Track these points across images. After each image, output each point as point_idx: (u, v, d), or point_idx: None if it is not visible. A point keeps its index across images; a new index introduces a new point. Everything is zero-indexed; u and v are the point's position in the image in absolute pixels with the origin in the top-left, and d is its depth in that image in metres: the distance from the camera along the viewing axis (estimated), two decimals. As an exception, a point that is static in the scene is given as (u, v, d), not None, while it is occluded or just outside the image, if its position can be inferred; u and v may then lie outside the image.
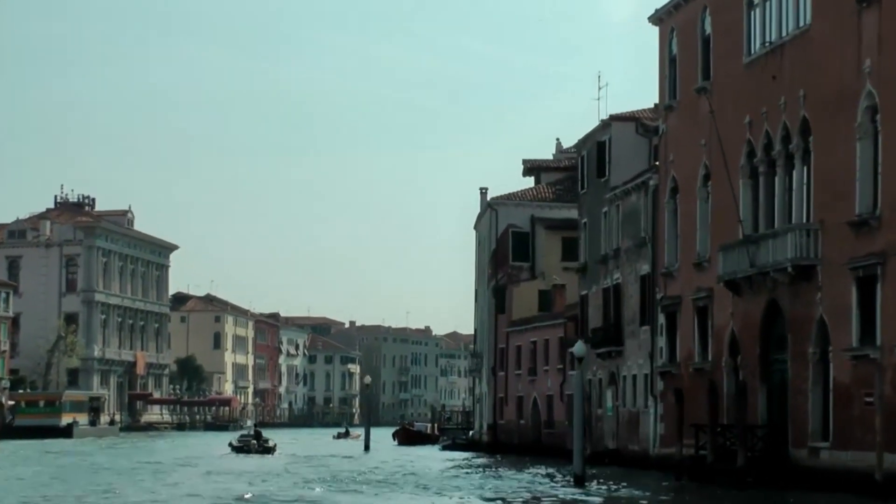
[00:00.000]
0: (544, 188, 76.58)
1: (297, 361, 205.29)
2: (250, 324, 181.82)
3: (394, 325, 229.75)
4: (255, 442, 71.53)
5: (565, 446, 59.42)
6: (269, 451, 70.55)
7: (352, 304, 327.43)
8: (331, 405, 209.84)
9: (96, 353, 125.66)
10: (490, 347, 77.80)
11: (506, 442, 73.04)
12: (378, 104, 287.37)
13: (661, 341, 48.90)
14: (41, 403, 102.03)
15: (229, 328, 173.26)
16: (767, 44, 40.70)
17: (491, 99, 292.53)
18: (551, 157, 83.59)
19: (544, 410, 68.66)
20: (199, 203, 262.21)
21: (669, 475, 42.65)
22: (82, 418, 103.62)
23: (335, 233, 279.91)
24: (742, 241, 40.86)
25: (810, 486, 36.31)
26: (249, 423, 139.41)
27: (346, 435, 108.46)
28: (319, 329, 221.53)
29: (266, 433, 77.43)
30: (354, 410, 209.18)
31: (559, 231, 71.47)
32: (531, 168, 79.83)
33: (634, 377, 52.60)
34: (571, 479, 40.00)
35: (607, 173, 56.72)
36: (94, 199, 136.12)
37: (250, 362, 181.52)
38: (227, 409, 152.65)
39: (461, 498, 36.34)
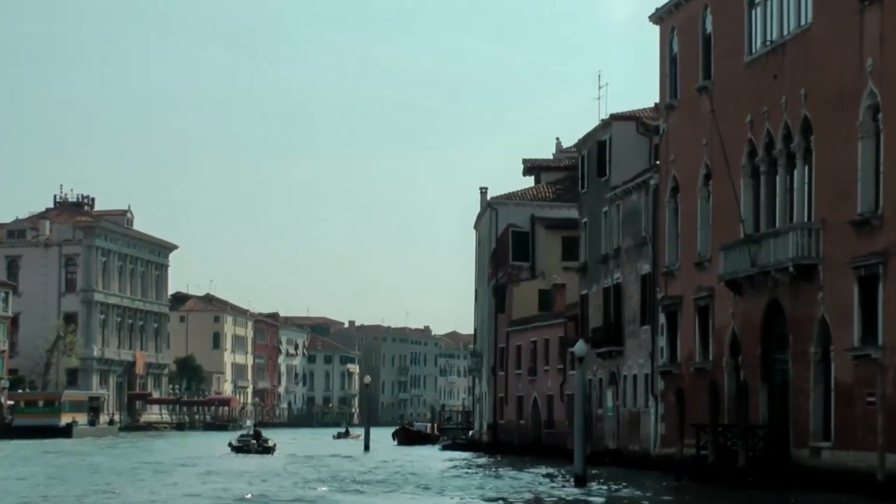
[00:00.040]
0: (544, 188, 76.48)
1: (297, 361, 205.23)
2: (249, 324, 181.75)
3: (393, 325, 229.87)
4: (254, 442, 71.45)
5: (565, 446, 59.35)
6: (269, 451, 70.47)
7: (351, 303, 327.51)
8: (330, 405, 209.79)
9: (95, 352, 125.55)
10: (490, 347, 77.70)
11: (506, 442, 72.94)
12: (378, 104, 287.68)
13: (662, 341, 48.79)
14: (40, 403, 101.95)
15: (228, 328, 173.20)
16: (768, 43, 40.59)
17: (491, 99, 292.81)
18: (551, 157, 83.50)
19: (544, 410, 68.55)
20: (198, 203, 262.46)
21: (670, 475, 42.55)
22: (81, 418, 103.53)
23: (335, 233, 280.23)
24: (743, 241, 40.75)
25: (812, 486, 36.21)
26: (249, 423, 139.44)
27: (346, 435, 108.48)
28: (319, 329, 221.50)
29: (265, 433, 77.33)
30: (354, 410, 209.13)
31: (559, 230, 71.39)
32: (531, 167, 79.74)
33: (635, 377, 52.50)
34: (572, 480, 39.85)
35: (608, 173, 56.61)
36: (93, 199, 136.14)
37: (249, 362, 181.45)
38: (226, 408, 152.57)
39: (463, 498, 36.20)
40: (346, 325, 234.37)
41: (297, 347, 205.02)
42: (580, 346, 39.89)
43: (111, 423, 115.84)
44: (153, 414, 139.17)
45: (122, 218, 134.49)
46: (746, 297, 41.28)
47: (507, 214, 74.41)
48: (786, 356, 39.08)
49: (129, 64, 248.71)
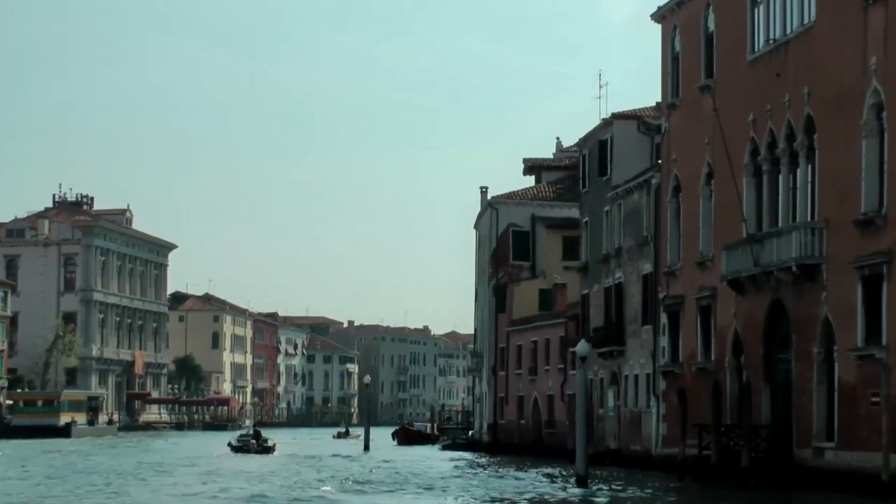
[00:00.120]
0: (545, 187, 76.30)
1: (296, 361, 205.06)
2: (249, 323, 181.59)
3: (392, 325, 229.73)
4: (254, 442, 71.28)
5: (566, 446, 59.19)
6: (269, 450, 70.32)
7: (350, 303, 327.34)
8: (329, 405, 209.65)
9: (94, 352, 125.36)
10: (490, 347, 77.52)
11: (506, 442, 72.75)
12: (378, 104, 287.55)
13: (664, 341, 48.63)
14: (39, 403, 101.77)
15: (228, 328, 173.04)
16: (771, 41, 40.42)
17: (491, 99, 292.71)
18: (551, 157, 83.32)
19: (545, 410, 68.36)
20: (197, 202, 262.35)
21: (672, 475, 42.41)
22: (80, 418, 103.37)
23: (334, 233, 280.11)
24: (746, 240, 40.57)
25: (815, 486, 36.05)
26: (248, 422, 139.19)
27: (346, 435, 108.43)
28: (318, 329, 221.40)
29: (264, 433, 77.11)
30: (353, 410, 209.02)
31: (560, 230, 71.21)
32: (531, 167, 79.56)
33: (636, 377, 52.32)
34: (574, 480, 39.66)
35: (609, 172, 56.44)
36: (92, 199, 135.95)
37: (249, 362, 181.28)
38: (225, 408, 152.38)
39: (466, 499, 36.00)
40: (346, 325, 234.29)
41: (296, 347, 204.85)
42: (582, 346, 39.68)
43: (110, 422, 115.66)
44: (152, 414, 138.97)
45: (121, 217, 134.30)
46: (749, 297, 41.10)
47: (507, 214, 74.24)
48: (789, 356, 38.89)
49: (129, 64, 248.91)
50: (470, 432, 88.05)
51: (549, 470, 49.63)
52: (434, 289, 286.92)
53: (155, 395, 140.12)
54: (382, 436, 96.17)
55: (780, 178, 40.13)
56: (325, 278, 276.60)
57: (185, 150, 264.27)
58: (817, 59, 37.72)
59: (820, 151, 37.64)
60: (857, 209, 35.32)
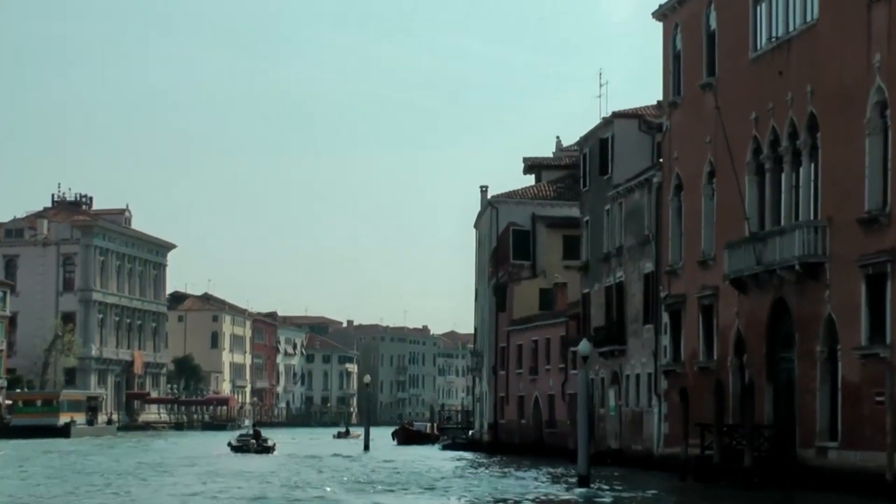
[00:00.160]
0: (545, 186, 76.14)
1: (295, 361, 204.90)
2: (248, 323, 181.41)
3: (391, 325, 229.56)
4: (254, 441, 71.11)
5: (567, 446, 59.02)
6: (269, 450, 70.15)
7: (349, 303, 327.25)
8: (328, 404, 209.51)
9: (93, 352, 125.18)
10: (491, 346, 77.35)
11: (506, 441, 72.59)
12: (378, 104, 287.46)
13: (665, 340, 48.46)
14: (38, 403, 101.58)
15: (227, 327, 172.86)
16: (774, 39, 40.24)
17: (491, 99, 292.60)
18: (551, 156, 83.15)
19: (545, 410, 68.19)
20: (196, 202, 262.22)
21: (673, 475, 42.24)
22: (80, 418, 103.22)
23: (334, 233, 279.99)
24: (748, 239, 40.39)
25: (818, 486, 35.88)
26: (247, 422, 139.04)
27: (347, 434, 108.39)
28: (317, 328, 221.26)
29: (264, 433, 76.91)
30: (352, 410, 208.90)
31: (560, 229, 71.06)
32: (532, 166, 79.40)
33: (638, 376, 52.14)
34: (576, 480, 39.45)
35: (610, 171, 56.28)
36: (91, 198, 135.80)
37: (248, 362, 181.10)
38: (224, 408, 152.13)
39: (469, 499, 35.82)
40: (345, 325, 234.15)
41: (295, 347, 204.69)
42: (584, 346, 39.47)
43: (109, 422, 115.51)
44: (151, 413, 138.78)
45: (120, 217, 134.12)
46: (751, 296, 40.93)
47: (507, 213, 74.09)
48: (791, 355, 38.72)
49: (129, 64, 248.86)
50: (470, 432, 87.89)
51: (551, 470, 49.46)
52: (433, 288, 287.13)
53: (154, 394, 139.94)
54: (382, 436, 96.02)
55: (783, 176, 39.96)
56: (325, 278, 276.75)
57: (185, 150, 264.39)
58: (820, 57, 37.54)
59: (823, 150, 37.47)
60: (861, 207, 35.15)
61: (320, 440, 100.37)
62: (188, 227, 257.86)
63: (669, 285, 48.05)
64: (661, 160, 50.00)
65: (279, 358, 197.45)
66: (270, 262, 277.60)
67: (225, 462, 58.92)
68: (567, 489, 38.85)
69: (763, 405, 39.91)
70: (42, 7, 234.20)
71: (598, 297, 57.47)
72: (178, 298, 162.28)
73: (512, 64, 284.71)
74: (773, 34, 40.32)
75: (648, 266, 50.82)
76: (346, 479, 44.74)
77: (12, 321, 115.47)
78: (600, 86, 63.82)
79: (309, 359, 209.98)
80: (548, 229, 72.23)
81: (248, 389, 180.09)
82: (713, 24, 44.85)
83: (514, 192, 75.82)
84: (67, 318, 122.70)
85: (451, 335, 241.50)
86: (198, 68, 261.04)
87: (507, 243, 73.73)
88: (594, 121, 59.19)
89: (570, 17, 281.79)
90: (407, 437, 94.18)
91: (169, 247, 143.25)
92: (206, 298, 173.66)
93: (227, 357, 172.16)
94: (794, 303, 38.41)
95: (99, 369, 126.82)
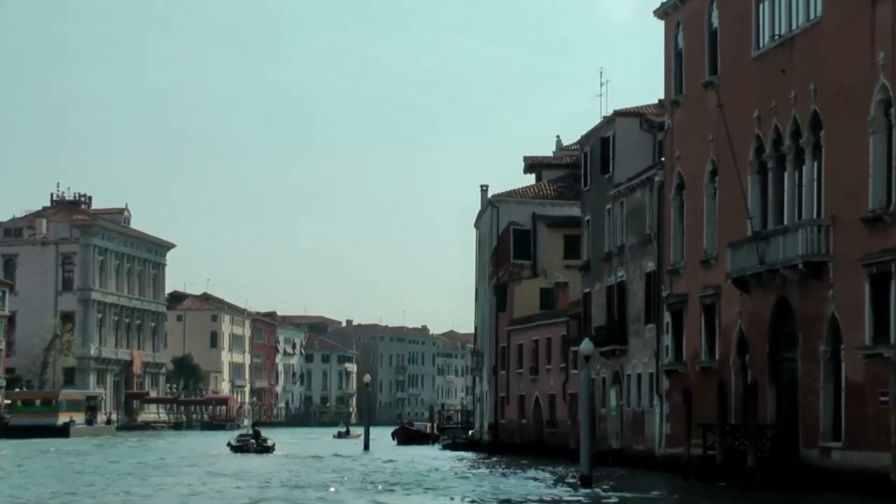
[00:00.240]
0: (545, 185, 75.96)
1: (294, 360, 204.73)
2: (247, 323, 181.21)
3: (391, 325, 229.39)
4: (253, 441, 70.91)
5: (568, 446, 58.85)
6: (268, 450, 69.95)
7: (349, 303, 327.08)
8: (328, 404, 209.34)
9: (92, 351, 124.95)
10: (491, 346, 77.17)
11: (507, 441, 72.44)
12: (378, 104, 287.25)
13: (667, 340, 48.27)
14: (37, 402, 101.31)
15: (226, 327, 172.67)
16: (777, 37, 40.05)
17: (491, 99, 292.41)
18: (551, 155, 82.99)
19: (546, 410, 68.04)
20: (196, 202, 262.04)
21: (675, 475, 42.06)
22: (79, 417, 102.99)
23: (334, 232, 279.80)
24: (751, 238, 40.21)
25: (821, 486, 35.71)
26: (246, 422, 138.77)
27: (347, 434, 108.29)
28: (316, 328, 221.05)
29: (263, 433, 76.69)
30: (351, 410, 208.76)
31: (561, 228, 70.91)
32: (532, 165, 79.24)
33: (639, 376, 51.95)
34: (578, 480, 39.27)
35: (611, 170, 56.11)
36: (90, 198, 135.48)
37: (247, 361, 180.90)
38: (223, 408, 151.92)
39: (471, 499, 35.62)
40: (344, 325, 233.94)
41: (294, 347, 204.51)
42: (586, 345, 39.32)
43: (108, 422, 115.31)
44: (150, 413, 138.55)
45: (119, 216, 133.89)
46: (754, 295, 40.74)
47: (508, 212, 73.92)
48: (794, 355, 38.54)
49: (129, 64, 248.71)
50: (470, 432, 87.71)
51: (552, 470, 49.28)
52: (433, 288, 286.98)
53: (153, 394, 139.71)
54: (382, 435, 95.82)
55: (786, 175, 39.79)
56: (324, 278, 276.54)
57: (184, 150, 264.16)
58: (823, 55, 37.36)
59: (826, 148, 37.28)
60: (865, 206, 34.97)
61: (320, 440, 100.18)
62: (187, 226, 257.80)
63: (671, 285, 47.87)
64: (662, 159, 49.81)
65: (278, 358, 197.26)
66: (270, 262, 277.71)
67: (225, 462, 58.74)
68: (570, 489, 38.64)
69: (766, 405, 39.74)
70: (42, 7, 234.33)
71: (599, 296, 57.29)
72: (177, 298, 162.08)
73: (512, 64, 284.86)
74: (776, 32, 40.12)
75: (650, 265, 50.63)
76: (346, 478, 44.54)
77: (11, 321, 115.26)
78: (601, 84, 63.82)
79: (308, 358, 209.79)
80: (548, 229, 72.07)
81: (247, 389, 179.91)
82: (715, 22, 44.66)
83: (514, 191, 75.65)
84: (66, 317, 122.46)
85: (451, 335, 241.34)
86: (198, 68, 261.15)
87: (507, 243, 73.56)
88: (594, 120, 59.13)
89: (570, 17, 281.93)
90: (407, 436, 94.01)
91: (168, 246, 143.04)
92: (206, 298, 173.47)
93: (226, 357, 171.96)
94: (797, 302, 38.23)
95: (98, 369, 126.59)
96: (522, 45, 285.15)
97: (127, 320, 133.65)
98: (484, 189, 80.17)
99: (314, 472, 48.87)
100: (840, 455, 35.60)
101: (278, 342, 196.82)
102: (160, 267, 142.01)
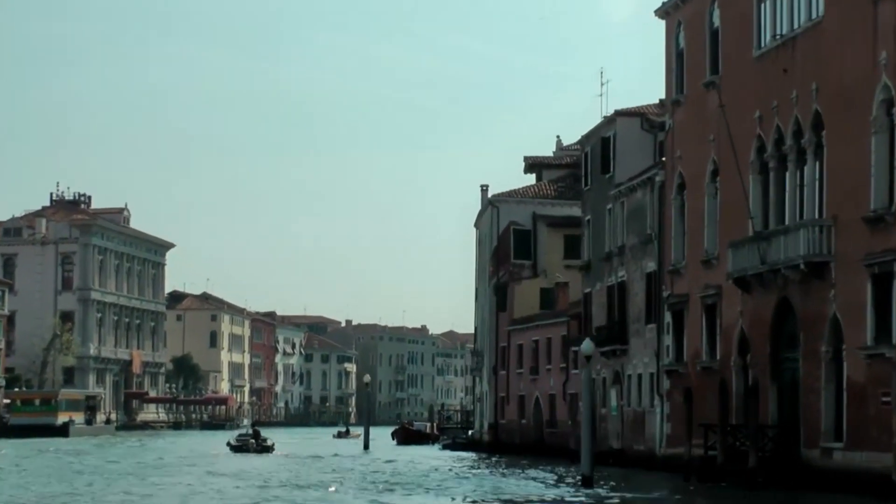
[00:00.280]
0: (546, 185, 75.88)
1: (294, 360, 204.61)
2: (246, 322, 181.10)
3: (390, 324, 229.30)
4: (253, 441, 70.86)
5: (568, 446, 58.85)
6: (268, 450, 69.89)
7: (349, 303, 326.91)
8: (327, 404, 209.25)
9: (92, 351, 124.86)
10: (491, 346, 77.09)
11: (507, 441, 72.35)
12: (378, 104, 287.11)
13: (668, 340, 48.18)
14: (37, 402, 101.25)
15: (225, 327, 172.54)
16: (778, 36, 39.98)
17: (491, 99, 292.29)
18: (551, 155, 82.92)
19: (546, 410, 67.97)
20: (195, 202, 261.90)
21: (676, 476, 42.00)
22: (78, 417, 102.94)
23: (333, 232, 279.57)
24: (752, 238, 40.12)
25: (823, 487, 35.62)
26: (246, 422, 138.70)
27: (347, 434, 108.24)
28: (316, 328, 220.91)
29: (262, 432, 76.62)
30: (350, 409, 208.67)
31: (561, 228, 70.85)
32: (532, 165, 79.15)
33: (640, 376, 51.86)
34: (580, 480, 39.19)
35: (612, 169, 56.03)
36: (90, 197, 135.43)
37: (246, 361, 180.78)
38: (223, 408, 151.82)
39: (473, 499, 35.55)
40: (343, 325, 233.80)
41: (293, 346, 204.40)
42: (587, 345, 39.25)
43: (108, 422, 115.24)
44: (150, 413, 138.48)
45: (118, 216, 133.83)
46: (755, 295, 40.66)
47: (508, 212, 73.84)
48: (796, 355, 38.45)
49: (129, 63, 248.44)
50: (470, 432, 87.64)
51: (553, 470, 49.19)
52: (432, 288, 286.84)
53: (153, 394, 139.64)
54: (381, 435, 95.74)
55: (787, 175, 39.71)
56: (324, 278, 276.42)
57: (183, 149, 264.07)
58: (825, 55, 37.28)
59: (828, 148, 37.20)
60: (867, 206, 34.89)
61: (320, 440, 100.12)
62: (187, 226, 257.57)
63: (672, 285, 47.79)
64: (663, 159, 49.72)
65: (278, 357, 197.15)
66: (269, 262, 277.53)
67: (225, 462, 58.67)
68: (571, 490, 38.56)
69: (767, 405, 39.65)
70: (42, 7, 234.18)
71: (599, 296, 57.22)
72: (176, 298, 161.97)
73: (512, 64, 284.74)
74: (778, 32, 40.04)
75: (651, 265, 50.55)
76: (347, 478, 44.46)
77: (11, 320, 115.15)
78: (601, 84, 63.51)
79: (307, 358, 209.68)
80: (548, 228, 72.01)
81: (246, 389, 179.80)
82: (716, 22, 44.57)
83: (514, 191, 75.58)
84: (66, 317, 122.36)
85: (450, 335, 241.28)
86: (198, 68, 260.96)
87: (507, 243, 73.48)
88: (594, 120, 59.05)
89: (570, 17, 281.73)
90: (407, 436, 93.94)
91: (168, 246, 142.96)
92: (205, 298, 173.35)
93: (225, 356, 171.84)
94: (799, 302, 38.15)
95: (97, 368, 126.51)
96: (522, 45, 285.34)
97: (126, 320, 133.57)
98: (484, 189, 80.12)
99: (314, 472, 48.77)
100: (842, 455, 35.52)
101: (278, 342, 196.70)
102: (160, 266, 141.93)
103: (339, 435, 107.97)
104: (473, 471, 51.23)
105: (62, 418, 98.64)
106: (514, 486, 40.75)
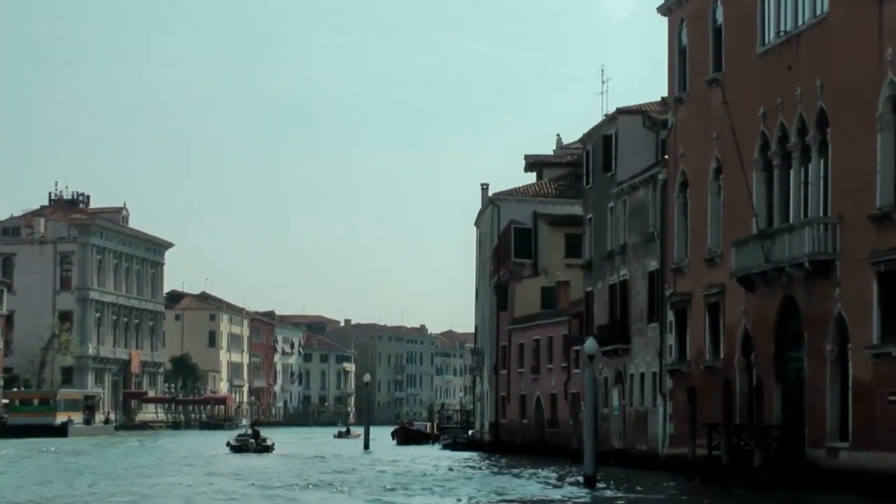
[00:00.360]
0: (546, 184, 75.61)
1: (293, 360, 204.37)
2: (245, 322, 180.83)
3: (389, 324, 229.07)
4: (253, 441, 70.65)
5: (569, 446, 58.65)
6: (268, 450, 69.69)
7: (348, 303, 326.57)
8: (326, 404, 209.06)
9: (91, 351, 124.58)
10: (492, 345, 76.84)
11: (508, 441, 72.09)
12: (378, 104, 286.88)
13: (671, 339, 47.90)
14: (35, 402, 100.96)
15: (224, 326, 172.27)
16: (783, 33, 39.69)
17: (491, 99, 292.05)
18: (552, 154, 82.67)
19: (548, 409, 67.71)
20: (194, 201, 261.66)
21: (679, 476, 41.75)
22: (77, 417, 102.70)
23: (333, 232, 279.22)
24: (756, 236, 39.84)
25: (828, 487, 35.36)
26: (245, 421, 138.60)
27: (347, 434, 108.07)
28: (315, 327, 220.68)
29: (262, 432, 76.37)
30: (350, 409, 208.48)
31: (562, 227, 70.61)
32: (533, 164, 78.88)
33: (642, 375, 51.58)
34: (582, 480, 38.93)
35: (613, 168, 55.78)
36: (88, 197, 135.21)
37: (245, 361, 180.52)
38: (222, 407, 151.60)
39: (476, 499, 35.29)
40: (342, 324, 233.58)
41: (292, 346, 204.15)
42: (590, 344, 38.98)
43: (107, 421, 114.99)
44: (149, 413, 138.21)
45: (117, 215, 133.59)
46: (759, 294, 40.37)
47: (508, 211, 73.58)
48: (801, 354, 38.17)
49: (128, 63, 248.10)
50: (470, 432, 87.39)
51: (555, 470, 48.92)
52: (431, 288, 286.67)
53: (151, 394, 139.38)
54: (381, 435, 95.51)
55: (792, 172, 39.41)
56: (323, 278, 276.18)
57: (182, 149, 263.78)
58: (830, 51, 36.99)
59: (833, 145, 36.91)
60: (872, 204, 34.60)
61: (320, 439, 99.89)
62: (186, 225, 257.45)
63: (675, 283, 47.50)
64: (666, 157, 49.43)
65: (277, 357, 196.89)
66: (268, 262, 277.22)
67: (225, 461, 58.43)
68: (574, 490, 38.29)
69: (772, 405, 39.37)
70: (42, 7, 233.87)
71: (601, 295, 56.95)
72: (175, 297, 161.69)
73: (512, 64, 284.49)
74: (782, 28, 39.75)
75: (653, 264, 50.27)
76: (348, 478, 44.21)
77: (9, 320, 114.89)
78: (602, 83, 63.32)
79: (306, 358, 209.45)
80: (549, 227, 71.74)
81: (245, 389, 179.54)
82: (720, 19, 44.28)
83: (515, 189, 75.32)
84: (64, 316, 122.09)
85: (449, 334, 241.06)
86: (197, 68, 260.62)
87: (508, 241, 73.22)
88: (595, 119, 58.79)
89: (570, 16, 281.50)
90: (407, 436, 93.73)
91: (166, 245, 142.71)
92: (204, 297, 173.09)
93: (224, 356, 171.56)
94: (804, 301, 37.87)
95: (96, 368, 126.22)
96: (522, 45, 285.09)
97: (125, 319, 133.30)
98: (485, 188, 79.90)
99: (316, 472, 48.51)
100: (847, 455, 35.24)
101: (277, 342, 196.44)
102: (158, 266, 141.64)
103: (340, 435, 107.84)
104: (475, 471, 50.97)
105: (61, 418, 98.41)
106: (516, 487, 40.49)
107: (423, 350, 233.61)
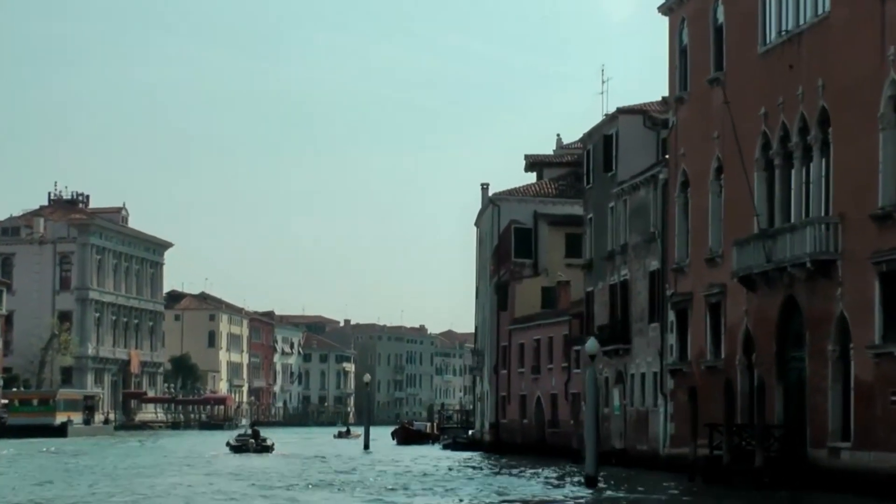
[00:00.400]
0: (547, 184, 75.53)
1: (292, 360, 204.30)
2: (245, 322, 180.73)
3: (388, 324, 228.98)
4: (252, 441, 70.58)
5: (570, 446, 58.58)
6: (268, 450, 69.62)
7: (347, 303, 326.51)
8: (326, 404, 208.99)
9: (90, 351, 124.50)
10: (492, 345, 76.75)
11: (508, 441, 72.01)
12: (378, 104, 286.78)
13: (672, 339, 47.82)
14: (35, 402, 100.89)
15: (224, 326, 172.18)
16: (784, 32, 39.61)
17: (491, 99, 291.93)
18: (552, 153, 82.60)
19: (548, 409, 67.63)
20: (194, 201, 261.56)
21: (680, 476, 41.64)
22: (76, 417, 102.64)
23: (333, 232, 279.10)
24: (758, 236, 39.76)
25: (830, 487, 35.28)
26: (244, 422, 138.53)
27: (347, 434, 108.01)
28: (314, 327, 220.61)
29: (262, 432, 76.29)
30: (349, 409, 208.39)
31: (562, 227, 70.53)
32: (533, 163, 78.82)
33: (643, 375, 51.50)
34: (582, 480, 38.84)
35: (614, 167, 55.71)
36: (88, 197, 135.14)
37: (245, 361, 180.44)
38: (221, 407, 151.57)
39: (477, 499, 35.20)
40: (342, 324, 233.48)
41: (292, 346, 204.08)
42: (591, 344, 38.88)
43: (106, 422, 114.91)
44: (148, 413, 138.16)
45: (116, 215, 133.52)
46: (760, 294, 40.29)
47: (509, 211, 73.49)
48: (802, 354, 38.09)
49: (128, 63, 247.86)
50: (470, 432, 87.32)
51: (555, 470, 48.86)
52: (431, 288, 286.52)
53: (151, 394, 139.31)
54: (381, 435, 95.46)
55: (793, 172, 39.33)
56: (323, 278, 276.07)
57: (181, 149, 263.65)
58: (832, 51, 36.92)
59: (835, 145, 36.83)
60: (874, 203, 34.53)
61: (320, 439, 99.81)
62: (185, 225, 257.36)
63: (676, 283, 47.42)
64: (667, 156, 49.35)
65: (276, 357, 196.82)
66: (268, 262, 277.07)
67: (225, 461, 58.36)
68: (575, 489, 38.21)
69: (773, 405, 39.29)
70: (42, 7, 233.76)
71: (602, 295, 56.87)
72: (174, 297, 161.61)
73: (512, 64, 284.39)
74: (784, 27, 39.67)
75: (654, 264, 50.20)
76: (349, 478, 44.13)
77: (9, 320, 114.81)
78: (602, 82, 63.27)
79: (306, 358, 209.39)
80: (550, 227, 71.67)
81: (245, 389, 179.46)
82: (721, 18, 44.21)
83: (515, 189, 75.24)
84: (64, 316, 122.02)
85: (449, 334, 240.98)
86: (197, 68, 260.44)
87: (508, 241, 73.14)
88: (595, 119, 58.73)
89: (570, 16, 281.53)
90: (407, 436, 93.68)
91: (166, 245, 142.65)
92: (203, 297, 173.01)
93: (224, 356, 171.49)
94: (805, 301, 37.79)
95: (95, 368, 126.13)
96: (522, 45, 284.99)
97: (125, 319, 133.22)
98: (485, 187, 79.80)
99: (316, 473, 48.44)
100: (849, 455, 35.16)
101: (276, 342, 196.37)
102: (158, 266, 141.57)
103: (340, 435, 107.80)
104: (476, 471, 50.88)
105: (60, 418, 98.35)
106: (518, 486, 40.41)
107: (422, 350, 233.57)
